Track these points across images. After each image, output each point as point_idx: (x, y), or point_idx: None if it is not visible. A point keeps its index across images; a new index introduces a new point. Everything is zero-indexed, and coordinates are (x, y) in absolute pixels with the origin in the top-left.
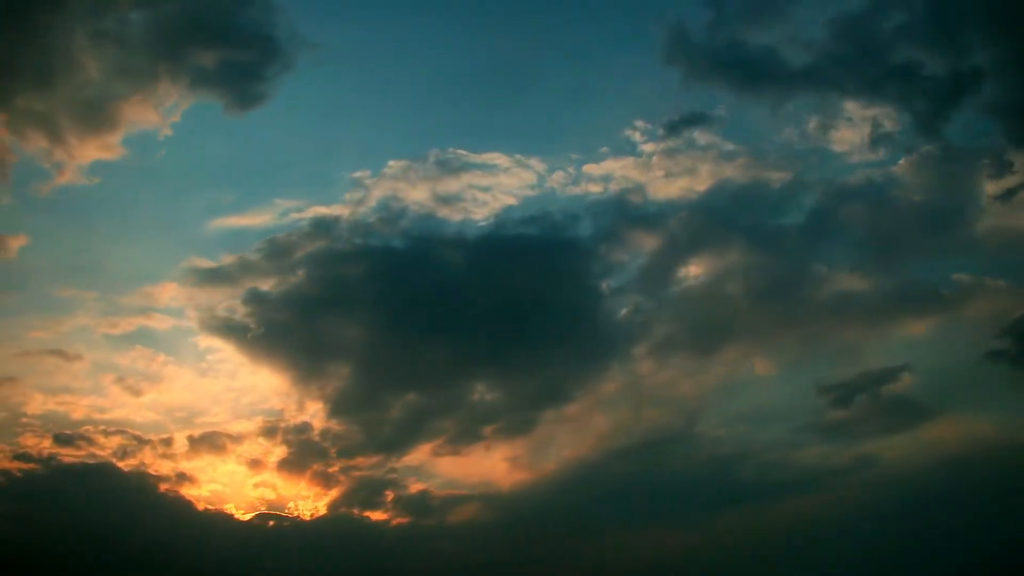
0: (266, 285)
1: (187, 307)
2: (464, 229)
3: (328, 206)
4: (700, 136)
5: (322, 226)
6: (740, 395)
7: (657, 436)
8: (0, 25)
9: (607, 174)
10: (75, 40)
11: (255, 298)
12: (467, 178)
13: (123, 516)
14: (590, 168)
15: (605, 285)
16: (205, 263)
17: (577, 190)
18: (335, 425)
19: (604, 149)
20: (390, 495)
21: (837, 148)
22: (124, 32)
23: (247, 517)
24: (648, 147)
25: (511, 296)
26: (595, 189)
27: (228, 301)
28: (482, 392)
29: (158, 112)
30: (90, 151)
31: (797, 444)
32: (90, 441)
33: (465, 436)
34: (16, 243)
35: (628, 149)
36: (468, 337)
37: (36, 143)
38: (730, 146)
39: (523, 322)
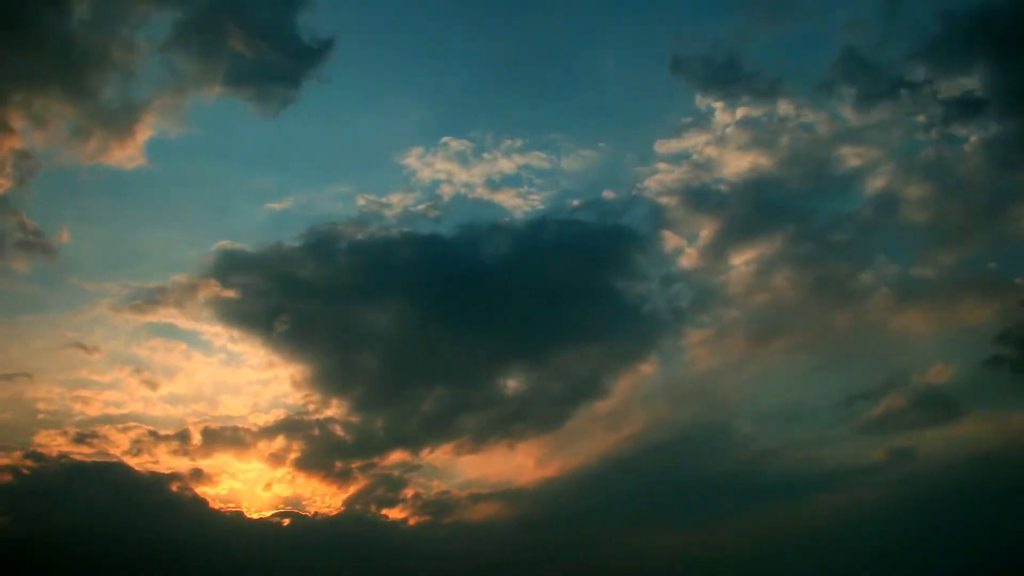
0: (296, 275)
1: (214, 298)
2: (515, 215)
3: (374, 192)
4: (782, 106)
5: (365, 212)
6: (779, 390)
7: (692, 432)
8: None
9: (676, 152)
10: (111, 39)
11: (281, 288)
12: (524, 160)
13: (136, 514)
14: (661, 146)
15: (655, 274)
16: (235, 253)
17: (644, 170)
18: (356, 421)
19: (682, 121)
20: (409, 493)
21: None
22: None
23: (263, 515)
24: (724, 117)
25: (554, 286)
26: (663, 168)
27: (254, 292)
28: (512, 387)
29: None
30: (126, 148)
31: (836, 440)
32: (105, 438)
33: (490, 433)
34: (57, 242)
35: (702, 122)
36: (503, 329)
37: (76, 140)
38: (809, 116)
39: (563, 313)
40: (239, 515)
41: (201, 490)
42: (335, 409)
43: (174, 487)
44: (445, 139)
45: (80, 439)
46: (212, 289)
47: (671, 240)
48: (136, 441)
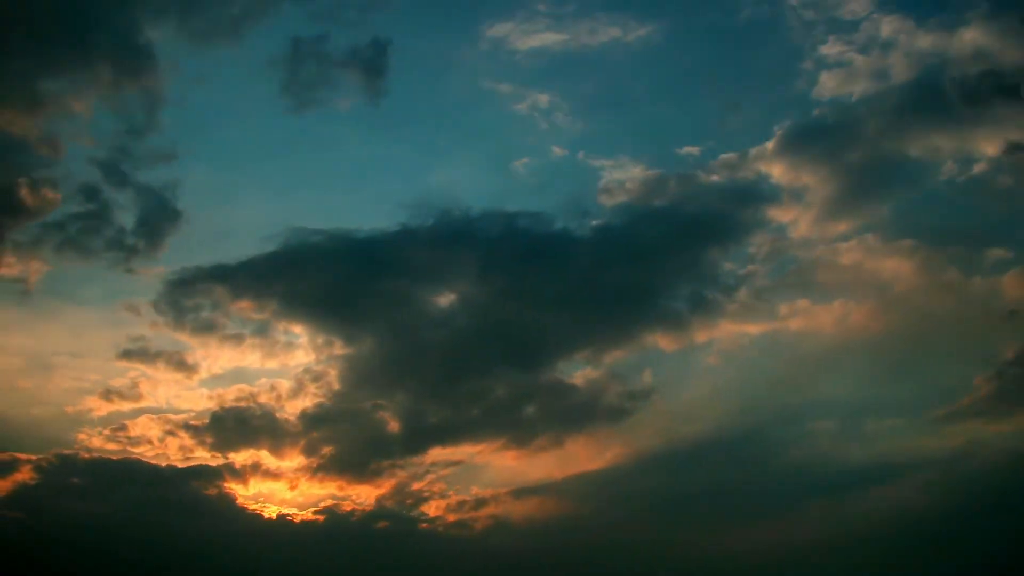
0: (362, 258)
1: (273, 282)
2: (632, 177)
3: (475, 158)
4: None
5: (459, 187)
6: (873, 375)
7: (771, 421)
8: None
9: (824, 97)
10: None
11: (342, 273)
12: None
13: (163, 510)
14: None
15: (762, 248)
16: (300, 233)
17: (776, 127)
18: (402, 414)
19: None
20: (449, 488)
21: None
22: None
23: (298, 511)
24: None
25: (648, 262)
26: (817, 113)
27: (312, 276)
28: (578, 377)
29: None
30: None
31: (922, 428)
32: (137, 429)
33: (544, 428)
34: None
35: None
36: (578, 313)
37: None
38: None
39: (649, 292)
40: (272, 510)
41: (233, 485)
42: (381, 401)
43: (205, 482)
44: (561, 82)
45: (111, 433)
46: (272, 272)
47: (786, 208)
48: (169, 432)
